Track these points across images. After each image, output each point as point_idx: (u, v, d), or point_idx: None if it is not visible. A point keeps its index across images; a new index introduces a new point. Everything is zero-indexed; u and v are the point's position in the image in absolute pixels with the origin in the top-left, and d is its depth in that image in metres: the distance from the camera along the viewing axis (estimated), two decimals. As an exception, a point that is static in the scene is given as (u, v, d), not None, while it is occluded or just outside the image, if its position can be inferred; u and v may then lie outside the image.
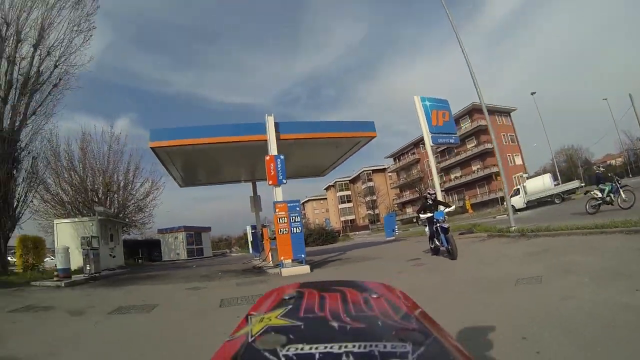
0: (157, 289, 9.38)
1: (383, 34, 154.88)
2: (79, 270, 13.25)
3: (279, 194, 11.49)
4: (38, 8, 14.12)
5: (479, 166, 51.71)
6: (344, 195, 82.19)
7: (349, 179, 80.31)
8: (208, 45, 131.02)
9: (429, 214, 9.88)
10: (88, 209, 20.75)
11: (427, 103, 14.65)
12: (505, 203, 18.15)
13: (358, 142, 14.98)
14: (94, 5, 15.53)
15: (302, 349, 0.46)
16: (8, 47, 13.62)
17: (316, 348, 0.46)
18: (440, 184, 18.23)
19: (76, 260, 13.44)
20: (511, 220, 12.51)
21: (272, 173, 11.31)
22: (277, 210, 10.98)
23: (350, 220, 78.97)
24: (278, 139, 12.24)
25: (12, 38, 13.70)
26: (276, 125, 12.38)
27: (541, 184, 29.29)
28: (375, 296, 0.65)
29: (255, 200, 19.43)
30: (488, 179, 48.29)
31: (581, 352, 2.95)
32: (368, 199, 71.85)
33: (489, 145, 45.78)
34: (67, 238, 16.03)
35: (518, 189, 30.33)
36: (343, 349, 0.46)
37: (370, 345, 0.47)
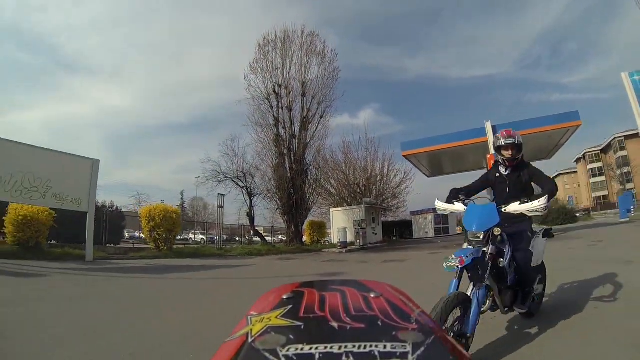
0: (408, 253, 13.47)
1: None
2: (351, 244, 19.09)
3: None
4: (299, 71, 21.05)
5: None
6: (594, 168, 67.08)
7: (599, 148, 66.04)
8: (431, 26, 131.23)
9: None
10: (352, 198, 27.52)
11: (637, 78, 13.40)
12: None
13: (566, 131, 15.67)
14: (333, 57, 21.80)
15: (302, 349, 0.46)
16: (285, 100, 20.91)
17: (316, 348, 0.46)
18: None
19: (349, 236, 19.76)
20: None
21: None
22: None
23: (603, 196, 63.69)
24: (495, 138, 14.67)
25: (286, 94, 20.97)
26: (493, 128, 14.68)
27: None
28: (375, 296, 0.65)
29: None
30: None
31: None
32: (619, 172, 57.61)
33: None
34: (340, 221, 22.49)
35: None
36: (343, 349, 0.46)
37: (370, 346, 0.47)
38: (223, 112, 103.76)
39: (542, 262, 3.65)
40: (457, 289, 2.70)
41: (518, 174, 3.48)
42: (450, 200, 3.39)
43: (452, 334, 2.51)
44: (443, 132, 23.14)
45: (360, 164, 30.16)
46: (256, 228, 23.51)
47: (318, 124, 21.32)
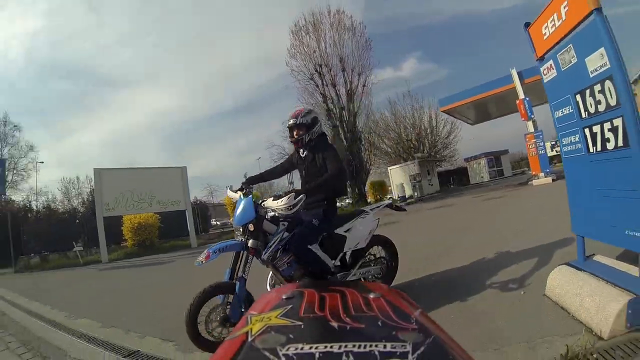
0: (457, 199, 15.10)
1: None
2: (410, 197, 21.10)
3: (529, 126, 14.72)
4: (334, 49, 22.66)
5: None
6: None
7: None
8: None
9: None
10: (407, 154, 29.17)
11: None
12: None
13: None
14: (362, 30, 23.13)
15: (302, 348, 0.47)
16: (328, 77, 22.76)
17: (316, 348, 0.46)
18: None
19: (406, 190, 21.66)
20: None
21: (523, 111, 14.65)
22: (527, 139, 14.63)
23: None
24: (522, 84, 15.24)
25: (327, 71, 22.74)
26: (519, 74, 15.38)
27: None
28: (374, 296, 0.65)
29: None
30: None
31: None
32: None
33: None
34: (398, 177, 24.27)
35: None
36: (343, 349, 0.46)
37: (370, 345, 0.47)
38: (265, 91, 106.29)
39: (388, 240, 3.60)
40: (230, 277, 2.90)
41: (313, 156, 3.25)
42: (240, 187, 3.31)
43: (212, 319, 2.70)
44: (487, 72, 24.13)
45: (408, 121, 31.20)
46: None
47: (362, 92, 23.00)
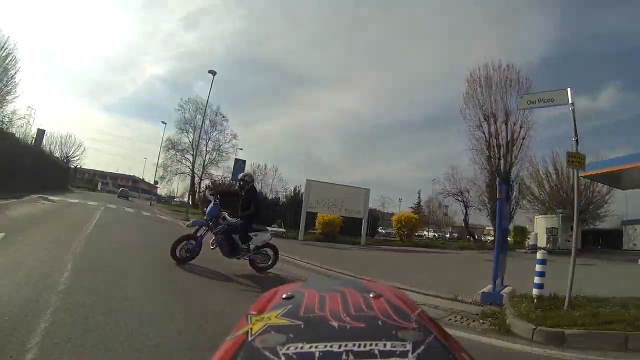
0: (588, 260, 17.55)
1: None
2: (541, 248, 23.24)
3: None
4: (501, 102, 25.99)
5: None
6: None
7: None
8: None
9: None
10: (557, 205, 30.02)
11: None
12: None
13: None
14: (528, 85, 25.63)
15: (302, 348, 0.47)
16: (493, 127, 26.34)
17: (316, 347, 0.47)
18: None
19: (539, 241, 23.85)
20: None
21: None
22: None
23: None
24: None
25: (493, 122, 26.26)
26: None
27: None
28: (375, 296, 0.66)
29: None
30: None
31: None
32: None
33: None
34: (541, 226, 26.44)
35: None
36: (343, 348, 0.46)
37: (370, 345, 0.47)
38: (449, 110, 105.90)
39: (270, 244, 7.53)
40: (196, 232, 7.04)
41: (245, 196, 7.49)
42: (215, 196, 7.48)
43: (182, 248, 6.78)
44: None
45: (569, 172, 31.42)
46: (470, 229, 30.87)
47: (521, 145, 25.98)
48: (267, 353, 0.47)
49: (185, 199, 40.62)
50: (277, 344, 0.48)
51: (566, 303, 5.49)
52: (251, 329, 0.55)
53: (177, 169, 42.12)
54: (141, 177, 77.14)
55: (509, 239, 27.02)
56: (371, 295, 0.65)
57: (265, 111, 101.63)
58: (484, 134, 26.68)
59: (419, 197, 59.21)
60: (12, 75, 25.83)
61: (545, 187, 31.93)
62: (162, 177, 43.12)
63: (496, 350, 4.37)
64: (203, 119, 33.72)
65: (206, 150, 41.82)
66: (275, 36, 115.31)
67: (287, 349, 0.47)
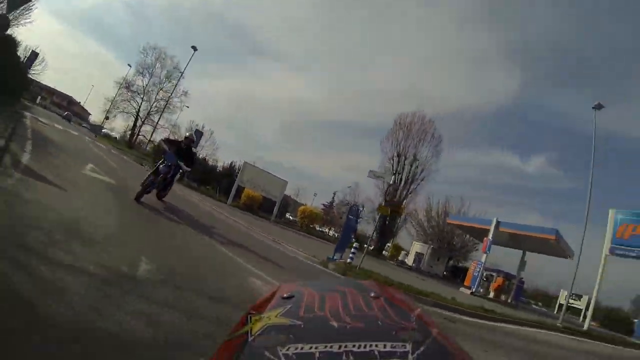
0: (402, 275, 23.98)
1: None
2: (408, 264, 30.03)
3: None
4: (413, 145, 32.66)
5: None
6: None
7: None
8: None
9: None
10: (433, 239, 37.71)
11: (619, 217, 16.78)
12: None
13: None
14: (438, 140, 32.93)
15: (302, 348, 0.47)
16: (401, 165, 32.86)
17: (316, 347, 0.47)
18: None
19: (409, 260, 30.67)
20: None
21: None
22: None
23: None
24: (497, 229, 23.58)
25: (402, 160, 32.82)
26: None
27: None
28: (374, 296, 0.65)
29: None
30: None
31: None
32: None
33: None
34: (415, 250, 33.49)
35: None
36: (343, 349, 0.46)
37: (370, 345, 0.47)
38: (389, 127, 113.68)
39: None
40: (154, 172, 8.14)
41: (186, 151, 8.90)
42: (169, 147, 8.58)
43: (144, 183, 7.81)
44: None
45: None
46: (357, 234, 37.44)
47: (417, 184, 32.98)
48: (267, 353, 0.47)
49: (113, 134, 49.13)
50: (277, 344, 0.48)
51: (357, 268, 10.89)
52: (251, 329, 0.56)
53: (125, 107, 44.38)
54: (78, 101, 74.55)
55: (384, 252, 34.40)
56: (371, 295, 0.66)
57: (219, 68, 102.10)
58: (392, 166, 33.14)
59: (333, 198, 63.15)
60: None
61: (432, 222, 39.45)
62: (109, 111, 45.03)
63: (319, 270, 9.45)
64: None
65: (155, 98, 44.61)
66: (253, 5, 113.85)
67: (287, 349, 0.47)
